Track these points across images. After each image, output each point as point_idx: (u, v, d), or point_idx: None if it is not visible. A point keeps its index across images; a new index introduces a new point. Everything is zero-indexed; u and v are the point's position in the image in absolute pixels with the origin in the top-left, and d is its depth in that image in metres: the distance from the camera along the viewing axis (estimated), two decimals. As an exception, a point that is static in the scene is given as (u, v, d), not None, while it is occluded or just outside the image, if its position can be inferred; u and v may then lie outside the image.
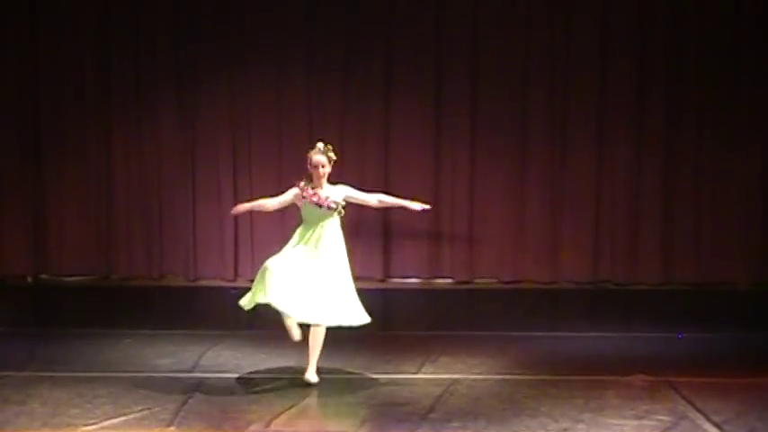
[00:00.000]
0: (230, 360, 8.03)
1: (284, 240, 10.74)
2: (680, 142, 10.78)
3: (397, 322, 8.82)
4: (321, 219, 7.42)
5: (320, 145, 7.57)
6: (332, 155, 7.53)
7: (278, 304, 7.20)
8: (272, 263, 7.28)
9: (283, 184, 10.73)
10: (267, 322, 9.52)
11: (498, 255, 10.95)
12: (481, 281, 10.98)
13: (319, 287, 7.29)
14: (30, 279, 11.02)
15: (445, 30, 10.77)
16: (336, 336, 8.71)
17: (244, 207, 7.77)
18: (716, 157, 10.77)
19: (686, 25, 10.69)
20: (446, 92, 10.81)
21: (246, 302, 7.51)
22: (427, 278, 10.85)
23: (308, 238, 7.42)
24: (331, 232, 7.42)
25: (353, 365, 7.91)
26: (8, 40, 10.82)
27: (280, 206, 7.64)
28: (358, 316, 7.47)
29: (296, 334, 7.38)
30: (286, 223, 10.88)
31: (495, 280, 10.97)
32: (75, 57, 10.81)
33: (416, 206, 7.60)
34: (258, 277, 7.35)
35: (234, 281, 10.96)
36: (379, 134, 10.70)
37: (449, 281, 10.94)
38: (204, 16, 10.77)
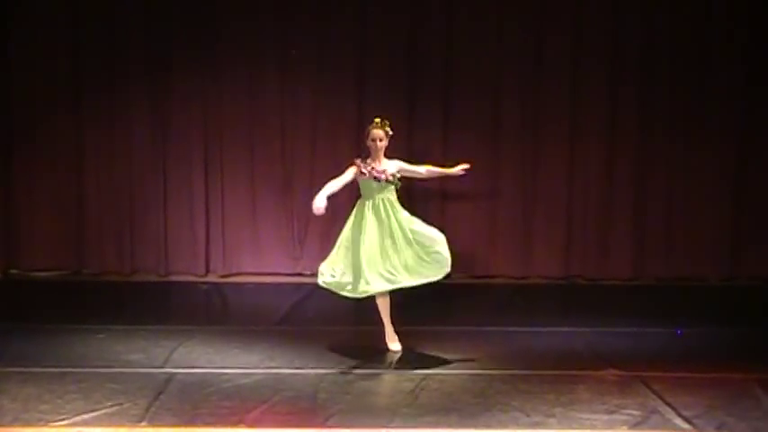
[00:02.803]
0: (202, 355, 8.01)
1: (256, 236, 10.88)
2: (651, 138, 10.82)
3: (369, 318, 8.80)
4: (379, 191, 7.97)
5: (377, 120, 8.05)
6: (389, 129, 8.04)
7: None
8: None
9: (255, 181, 10.89)
10: (238, 318, 9.55)
11: (470, 250, 10.96)
12: (453, 276, 10.97)
13: (396, 252, 7.90)
14: (-1, 274, 10.96)
15: (418, 27, 10.76)
16: (309, 331, 8.76)
17: (324, 200, 7.88)
18: (687, 153, 10.82)
19: (657, 22, 10.72)
20: (419, 89, 10.80)
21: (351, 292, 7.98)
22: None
23: (372, 214, 7.95)
24: (391, 202, 7.99)
25: (326, 360, 7.91)
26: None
27: (344, 186, 8.06)
28: (438, 270, 7.97)
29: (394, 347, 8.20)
30: (257, 219, 10.92)
31: (466, 275, 10.98)
32: (46, 53, 10.71)
33: (457, 171, 8.16)
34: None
35: (205, 276, 10.93)
36: (351, 132, 10.66)
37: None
38: (177, 13, 10.70)
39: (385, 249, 7.93)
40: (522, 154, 10.86)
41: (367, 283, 7.85)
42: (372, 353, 8.10)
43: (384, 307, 8.10)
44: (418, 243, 7.95)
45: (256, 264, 10.99)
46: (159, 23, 10.70)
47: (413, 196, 10.78)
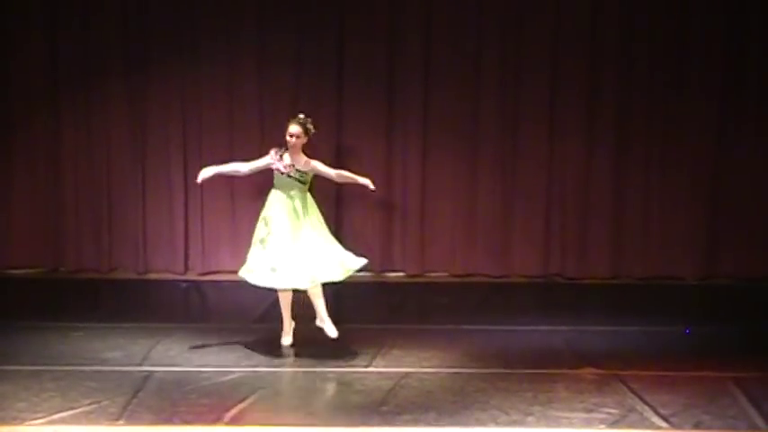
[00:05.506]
0: (180, 353, 7.99)
1: (235, 233, 10.84)
2: (629, 139, 10.84)
3: (348, 315, 8.82)
4: (290, 187, 7.95)
5: (300, 116, 8.04)
6: (310, 126, 8.02)
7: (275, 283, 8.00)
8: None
9: (234, 178, 10.83)
10: (217, 316, 9.53)
11: (450, 248, 10.97)
12: (433, 274, 11.00)
13: (310, 250, 7.89)
14: (-25, 272, 10.89)
15: (398, 21, 10.75)
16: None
17: (210, 171, 8.19)
18: (664, 154, 10.85)
19: (636, 21, 10.73)
20: (398, 85, 10.79)
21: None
22: (379, 272, 10.84)
23: (288, 208, 7.92)
24: (302, 199, 7.95)
25: (304, 359, 7.91)
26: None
27: (252, 171, 8.21)
28: (351, 262, 8.07)
29: (286, 341, 8.17)
30: (237, 217, 10.89)
31: (446, 273, 10.99)
32: (22, 46, 10.65)
33: (365, 182, 8.09)
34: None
35: (184, 274, 10.89)
36: (330, 128, 10.64)
37: (400, 274, 10.95)
38: (154, 6, 10.66)
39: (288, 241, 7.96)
40: (502, 152, 10.85)
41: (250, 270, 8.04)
42: (352, 351, 8.10)
43: (285, 301, 8.19)
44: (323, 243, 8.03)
45: (235, 261, 10.93)
46: (136, 16, 10.63)
47: (392, 194, 10.83)
